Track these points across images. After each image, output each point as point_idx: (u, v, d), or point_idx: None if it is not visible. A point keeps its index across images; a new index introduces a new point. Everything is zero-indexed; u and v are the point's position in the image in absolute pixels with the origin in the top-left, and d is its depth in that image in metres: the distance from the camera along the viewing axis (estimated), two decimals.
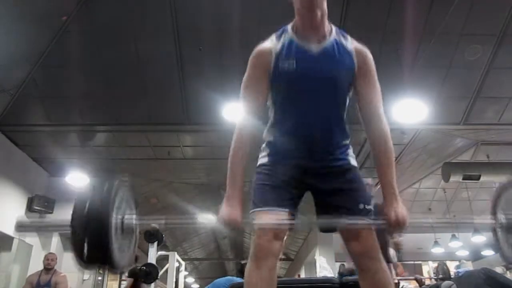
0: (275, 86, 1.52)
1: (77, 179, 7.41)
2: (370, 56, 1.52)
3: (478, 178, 6.60)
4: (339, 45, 1.49)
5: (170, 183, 8.54)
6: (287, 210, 1.48)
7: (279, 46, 1.50)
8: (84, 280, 7.29)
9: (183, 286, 7.60)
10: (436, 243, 10.28)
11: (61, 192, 7.48)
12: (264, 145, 1.61)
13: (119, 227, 1.32)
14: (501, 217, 1.47)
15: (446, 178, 6.80)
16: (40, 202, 7.07)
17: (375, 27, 4.91)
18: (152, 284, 5.09)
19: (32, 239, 7.09)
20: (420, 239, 10.65)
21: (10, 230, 6.39)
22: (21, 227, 1.45)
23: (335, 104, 1.52)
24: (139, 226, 1.46)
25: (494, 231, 1.53)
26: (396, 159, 6.81)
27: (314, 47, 1.47)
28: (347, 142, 1.59)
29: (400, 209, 1.40)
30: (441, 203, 9.34)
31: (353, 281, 2.94)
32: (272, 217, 1.46)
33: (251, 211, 1.48)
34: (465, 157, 7.24)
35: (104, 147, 6.84)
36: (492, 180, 7.53)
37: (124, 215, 1.36)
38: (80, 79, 5.38)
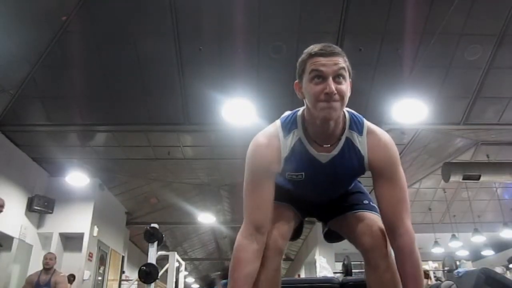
0: (279, 183, 1.43)
1: (77, 179, 7.41)
2: (389, 153, 1.38)
3: (478, 178, 6.61)
4: (350, 147, 1.37)
5: (170, 183, 8.54)
6: (298, 210, 1.55)
7: (288, 149, 1.36)
8: (84, 280, 7.29)
9: (183, 286, 7.60)
10: (436, 243, 10.28)
11: (61, 192, 7.49)
12: None
13: None
14: None
15: (446, 178, 6.80)
16: (40, 202, 7.07)
17: (375, 27, 4.91)
18: (152, 284, 5.08)
19: (32, 239, 7.09)
20: (420, 239, 10.58)
21: (10, 230, 6.40)
22: None
23: (342, 190, 1.57)
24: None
25: None
26: None
27: (323, 156, 1.36)
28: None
29: None
30: (441, 203, 9.35)
31: (353, 281, 2.94)
32: (282, 211, 1.47)
33: None
34: (465, 157, 7.25)
35: (104, 147, 6.84)
36: (492, 180, 7.55)
37: None
38: (80, 79, 5.38)
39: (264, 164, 1.35)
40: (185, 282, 9.79)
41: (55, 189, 7.49)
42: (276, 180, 1.40)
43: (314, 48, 1.29)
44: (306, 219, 1.69)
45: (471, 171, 6.63)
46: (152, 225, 5.40)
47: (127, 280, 9.42)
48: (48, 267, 4.94)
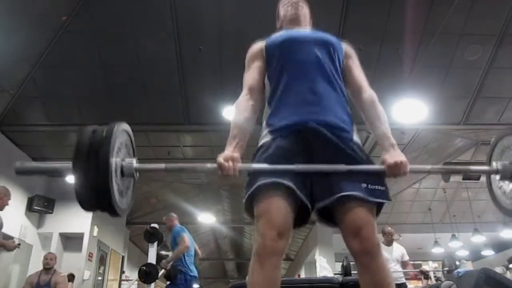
0: (270, 60, 1.64)
1: None
2: (353, 49, 1.76)
3: (478, 178, 6.61)
4: (324, 32, 1.73)
5: (170, 183, 8.54)
6: (292, 183, 1.37)
7: (272, 37, 1.70)
8: (84, 280, 7.29)
9: None
10: (436, 243, 10.27)
11: (61, 192, 7.49)
12: (264, 124, 1.59)
13: (119, 170, 1.35)
14: (496, 164, 1.49)
15: (446, 178, 6.80)
16: (40, 202, 7.07)
17: (375, 27, 4.91)
18: (152, 284, 5.09)
19: (32, 239, 7.09)
20: (420, 239, 10.65)
21: (10, 230, 6.39)
22: (21, 172, 1.45)
23: (331, 72, 1.57)
24: (138, 171, 1.45)
25: (488, 178, 1.58)
26: None
27: (300, 29, 1.75)
28: (349, 113, 1.56)
29: (398, 154, 1.44)
30: (441, 203, 9.35)
31: (353, 281, 2.94)
32: (282, 206, 1.37)
33: (255, 185, 1.38)
34: (465, 157, 7.25)
35: None
36: None
37: (124, 159, 1.39)
38: (80, 79, 5.38)
39: (254, 53, 1.69)
40: None
41: (55, 189, 7.49)
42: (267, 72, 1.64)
43: None
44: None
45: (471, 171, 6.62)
46: (152, 225, 5.40)
47: (127, 280, 9.42)
48: (48, 267, 4.94)
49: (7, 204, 4.05)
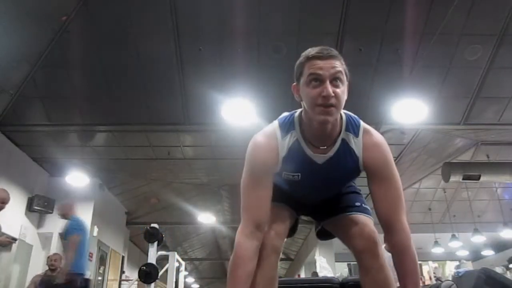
0: (276, 182, 1.44)
1: (77, 179, 7.41)
2: (383, 153, 1.38)
3: (478, 178, 6.61)
4: (346, 149, 1.38)
5: (170, 183, 8.54)
6: (293, 209, 1.57)
7: (285, 149, 1.38)
8: None
9: (183, 286, 7.59)
10: (436, 243, 10.27)
11: (61, 192, 7.48)
12: None
13: None
14: None
15: (446, 178, 6.80)
16: (40, 202, 7.07)
17: (375, 27, 4.91)
18: (152, 284, 5.09)
19: (32, 239, 7.09)
20: (420, 239, 10.63)
21: (10, 230, 6.39)
22: None
23: (336, 191, 1.59)
24: None
25: None
26: (396, 159, 6.80)
27: (319, 158, 1.38)
28: None
29: None
30: (441, 203, 9.35)
31: (353, 281, 2.94)
32: (278, 211, 1.49)
33: None
34: (465, 157, 7.25)
35: (104, 147, 6.84)
36: (492, 180, 7.54)
37: None
38: (80, 79, 5.38)
39: (263, 164, 1.38)
40: (185, 282, 9.79)
41: (55, 189, 7.48)
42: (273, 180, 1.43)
43: (311, 51, 1.30)
44: (306, 219, 1.70)
45: (471, 171, 6.63)
46: (152, 225, 5.40)
47: (127, 280, 9.42)
48: (53, 268, 4.92)
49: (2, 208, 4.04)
